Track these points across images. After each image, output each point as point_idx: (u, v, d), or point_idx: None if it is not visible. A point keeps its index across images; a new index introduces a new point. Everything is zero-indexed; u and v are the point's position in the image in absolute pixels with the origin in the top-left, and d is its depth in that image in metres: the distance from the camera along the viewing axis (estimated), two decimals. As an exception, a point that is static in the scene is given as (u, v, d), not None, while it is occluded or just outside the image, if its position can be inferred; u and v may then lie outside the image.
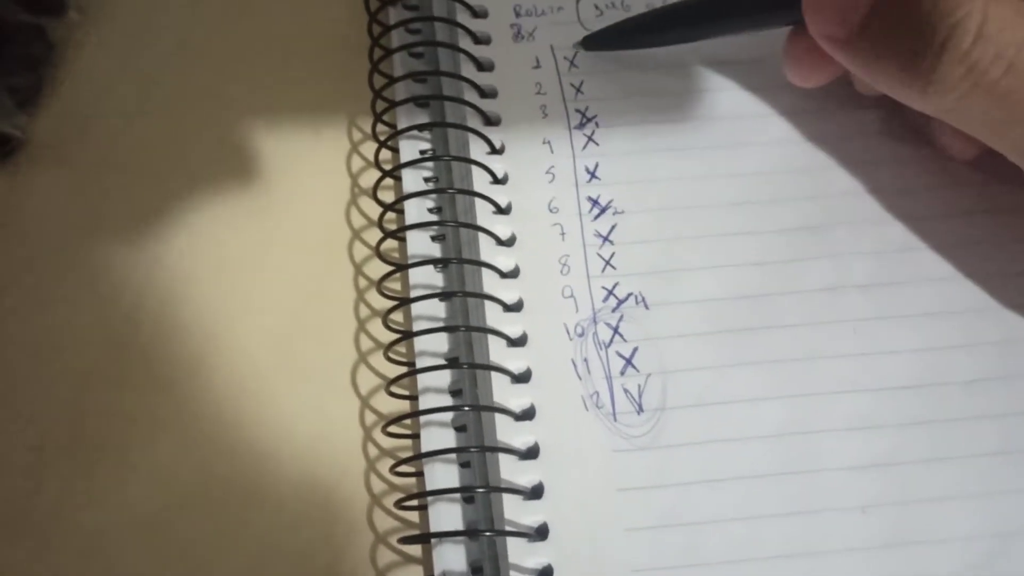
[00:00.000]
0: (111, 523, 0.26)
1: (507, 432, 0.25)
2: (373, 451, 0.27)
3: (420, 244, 0.28)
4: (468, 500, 0.26)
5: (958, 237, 0.27)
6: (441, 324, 0.27)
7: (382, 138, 0.29)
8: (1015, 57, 0.21)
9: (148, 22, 0.32)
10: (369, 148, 0.30)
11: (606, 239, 0.28)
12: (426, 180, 0.29)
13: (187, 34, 0.32)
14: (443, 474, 0.26)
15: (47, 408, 0.27)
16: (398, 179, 0.29)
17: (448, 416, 0.26)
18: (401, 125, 0.29)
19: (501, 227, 0.27)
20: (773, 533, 0.25)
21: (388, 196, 0.29)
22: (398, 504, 0.26)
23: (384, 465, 0.26)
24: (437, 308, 0.28)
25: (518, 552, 0.24)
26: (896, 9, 0.23)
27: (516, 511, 0.24)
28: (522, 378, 0.26)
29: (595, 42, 0.29)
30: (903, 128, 0.28)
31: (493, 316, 0.26)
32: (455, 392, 0.27)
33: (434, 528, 0.25)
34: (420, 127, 0.29)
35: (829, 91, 0.28)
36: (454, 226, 0.28)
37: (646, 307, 0.27)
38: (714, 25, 0.27)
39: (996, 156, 0.24)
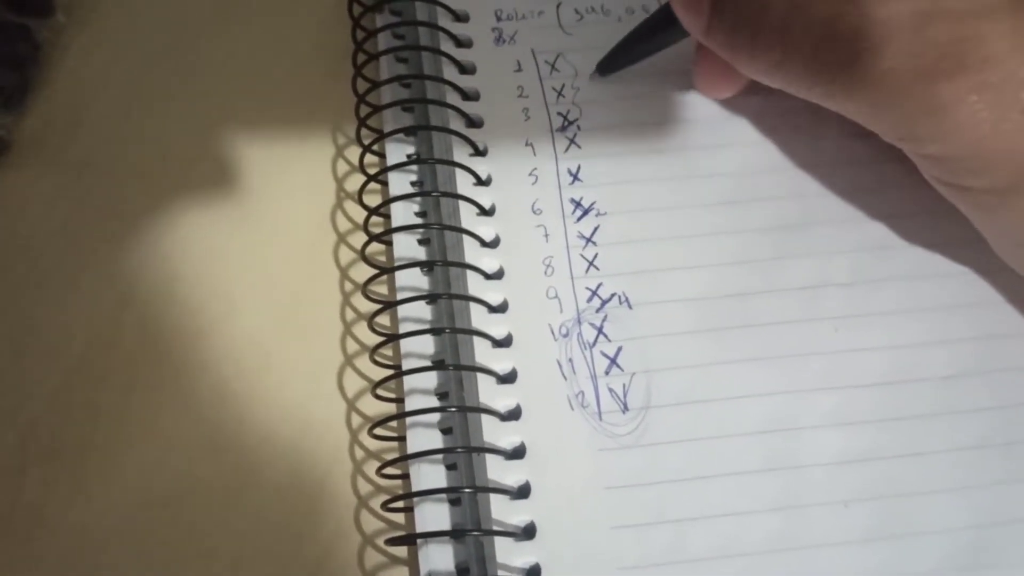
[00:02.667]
0: (94, 522, 0.26)
1: (493, 433, 0.25)
2: (359, 453, 0.27)
3: (406, 247, 0.29)
4: (455, 502, 0.26)
5: (935, 235, 0.28)
6: (427, 326, 0.28)
7: (366, 142, 0.29)
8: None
9: (134, 24, 0.32)
10: (354, 152, 0.30)
11: (589, 240, 0.28)
12: (411, 184, 0.29)
13: (173, 38, 0.32)
14: (429, 475, 0.26)
15: (30, 407, 0.27)
16: (383, 183, 0.29)
17: (434, 418, 0.26)
18: (386, 129, 0.29)
19: (485, 229, 0.28)
20: (758, 528, 0.25)
21: (373, 200, 0.29)
22: (384, 506, 0.26)
23: (370, 467, 0.27)
24: (423, 311, 0.28)
25: (506, 552, 0.24)
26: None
27: (503, 511, 0.25)
28: (508, 379, 0.26)
29: (607, 66, 0.30)
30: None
31: (478, 318, 0.27)
32: (441, 394, 0.27)
33: (420, 529, 0.25)
34: (404, 130, 0.29)
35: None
36: (439, 229, 0.28)
37: (630, 307, 0.27)
38: (671, 32, 0.28)
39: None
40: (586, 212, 0.28)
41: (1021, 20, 0.22)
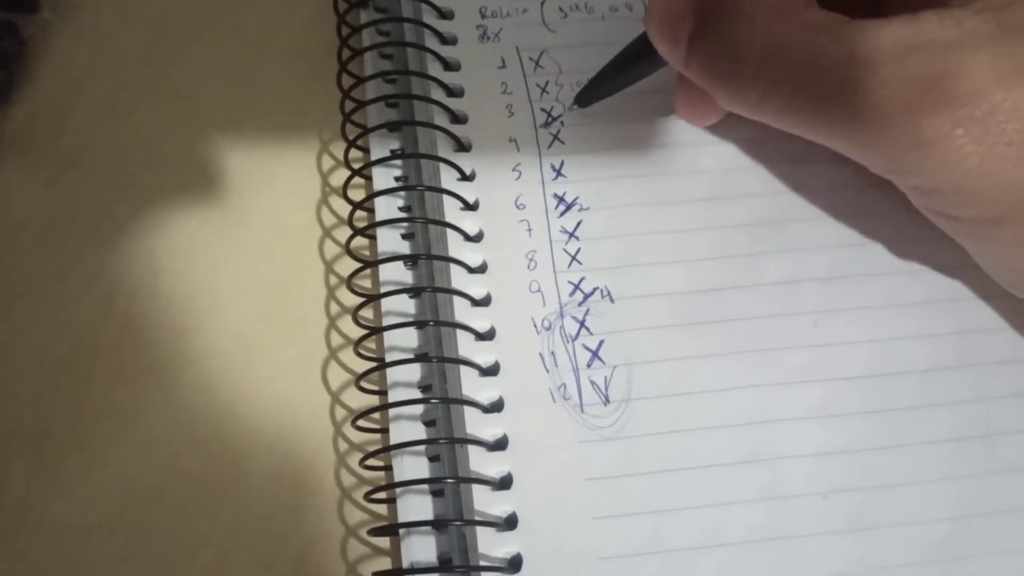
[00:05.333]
0: (78, 516, 0.26)
1: (476, 424, 0.26)
2: (343, 445, 0.27)
3: (390, 241, 0.29)
4: (437, 493, 0.26)
5: (913, 232, 0.28)
6: (410, 320, 0.28)
7: (351, 137, 0.29)
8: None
9: (120, 21, 0.33)
10: (339, 147, 0.30)
11: (572, 235, 0.28)
12: (396, 179, 0.30)
13: (158, 34, 0.32)
14: (412, 467, 0.26)
15: (15, 401, 0.27)
16: (368, 178, 0.30)
17: (417, 410, 0.27)
18: (370, 124, 0.30)
19: (469, 223, 0.28)
20: (737, 520, 0.25)
21: (358, 195, 0.29)
22: (367, 497, 0.26)
23: (354, 459, 0.27)
24: (407, 304, 0.28)
25: (488, 542, 0.24)
26: (712, 27, 0.24)
27: (485, 501, 0.25)
28: (490, 371, 0.26)
29: (586, 97, 0.29)
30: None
31: (461, 311, 0.27)
32: (424, 387, 0.27)
33: (403, 520, 0.25)
34: (388, 125, 0.30)
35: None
36: (423, 223, 0.28)
37: (611, 301, 0.27)
38: (650, 62, 0.27)
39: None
40: (569, 207, 0.28)
41: (1004, 51, 0.22)
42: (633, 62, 0.28)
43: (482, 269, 0.28)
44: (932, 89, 0.22)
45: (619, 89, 0.29)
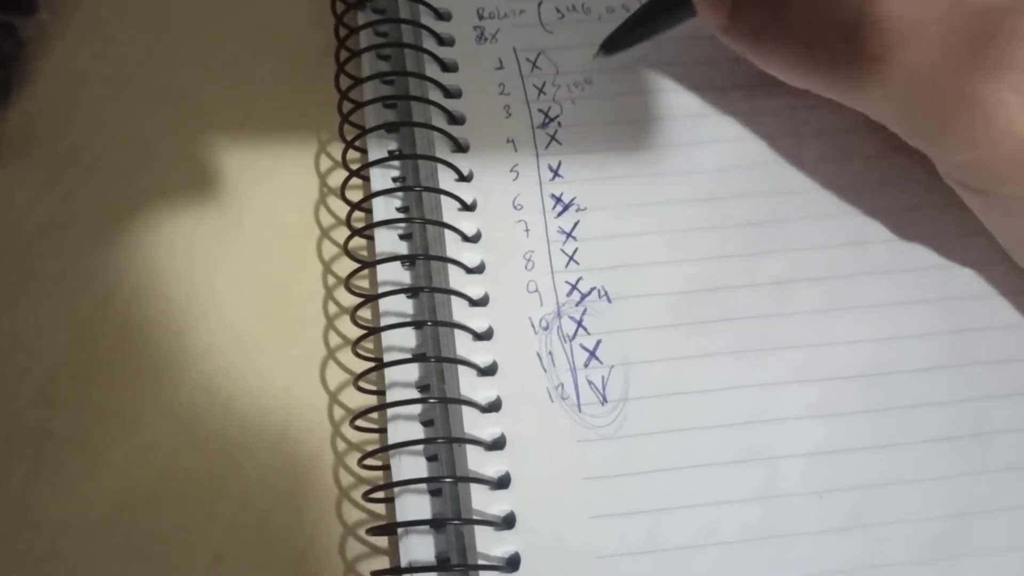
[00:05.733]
0: (78, 516, 0.26)
1: (474, 424, 0.26)
2: (341, 445, 0.27)
3: (388, 242, 0.29)
4: (435, 492, 0.26)
5: (907, 231, 0.28)
6: (408, 320, 0.28)
7: (349, 138, 0.29)
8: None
9: (118, 22, 0.33)
10: (337, 148, 0.30)
11: (569, 235, 0.28)
12: (393, 180, 0.30)
13: (157, 36, 0.32)
14: (410, 466, 0.26)
15: (14, 401, 0.27)
16: (366, 179, 0.30)
17: (415, 410, 0.27)
18: (368, 125, 0.30)
19: (467, 224, 0.28)
20: (734, 518, 0.25)
21: (356, 196, 0.29)
22: (366, 496, 0.26)
23: (352, 459, 0.27)
24: (404, 304, 0.28)
25: (486, 541, 0.24)
26: None
27: (483, 501, 0.25)
28: (488, 371, 0.26)
29: (612, 44, 0.29)
30: (853, 124, 0.29)
31: (459, 311, 0.27)
32: (422, 387, 0.27)
33: (401, 519, 0.25)
34: (386, 126, 0.30)
35: (779, 91, 0.29)
36: (421, 223, 0.28)
37: (609, 301, 0.27)
38: (679, 15, 0.28)
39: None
40: (566, 207, 0.29)
41: None
42: (664, 10, 0.28)
43: (480, 269, 0.28)
44: (982, 52, 0.21)
45: (646, 38, 0.29)
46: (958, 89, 0.21)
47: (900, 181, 0.26)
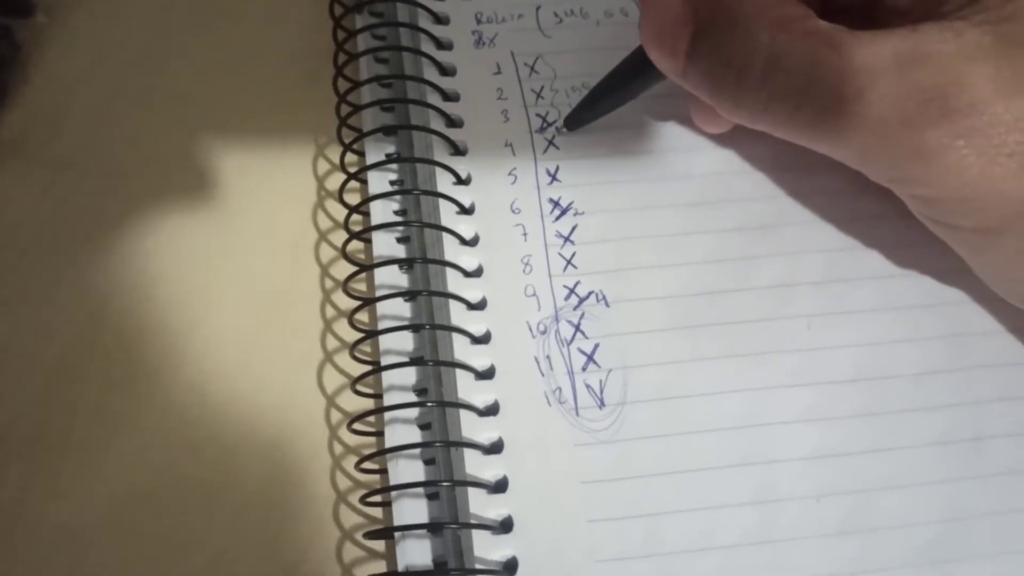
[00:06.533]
0: (74, 519, 0.26)
1: (471, 429, 0.26)
2: (338, 448, 0.27)
3: (385, 245, 0.29)
4: (432, 496, 0.26)
5: (905, 236, 0.28)
6: (406, 324, 0.28)
7: (347, 141, 0.29)
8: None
9: (115, 24, 0.33)
10: (335, 151, 0.30)
11: (567, 239, 0.28)
12: (391, 183, 0.30)
13: (153, 39, 0.32)
14: (407, 470, 0.26)
15: (10, 405, 0.27)
16: (364, 182, 0.30)
17: (413, 414, 0.27)
18: (366, 128, 0.30)
19: (464, 228, 0.28)
20: (732, 522, 0.25)
21: (354, 199, 0.29)
22: (363, 500, 0.26)
23: (349, 462, 0.27)
24: (402, 308, 0.28)
25: (483, 545, 0.24)
26: (711, 39, 0.24)
27: (481, 505, 0.25)
28: (486, 375, 0.26)
29: (574, 121, 0.29)
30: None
31: (457, 315, 0.27)
32: (420, 391, 0.27)
33: (398, 523, 0.25)
34: (384, 130, 0.30)
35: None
36: (419, 227, 0.28)
37: (607, 305, 0.27)
38: (645, 77, 0.27)
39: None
40: (564, 212, 0.29)
41: (1004, 63, 0.22)
42: (627, 79, 0.28)
43: (478, 273, 0.28)
44: (933, 100, 0.22)
45: (609, 110, 0.29)
46: (909, 138, 0.22)
47: (880, 184, 0.26)
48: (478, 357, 0.27)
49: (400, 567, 0.25)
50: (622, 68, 0.28)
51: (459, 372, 0.26)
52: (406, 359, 0.27)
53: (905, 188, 0.25)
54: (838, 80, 0.23)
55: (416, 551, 0.25)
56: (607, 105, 0.29)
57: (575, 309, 0.27)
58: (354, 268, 0.28)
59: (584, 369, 0.27)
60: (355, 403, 0.27)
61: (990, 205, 0.23)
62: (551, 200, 0.29)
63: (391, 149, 0.30)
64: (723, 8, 0.24)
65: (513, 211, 0.28)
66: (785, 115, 0.24)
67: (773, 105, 0.24)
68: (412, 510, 0.26)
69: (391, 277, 0.28)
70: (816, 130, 0.24)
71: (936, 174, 0.23)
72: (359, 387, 0.27)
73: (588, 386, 0.26)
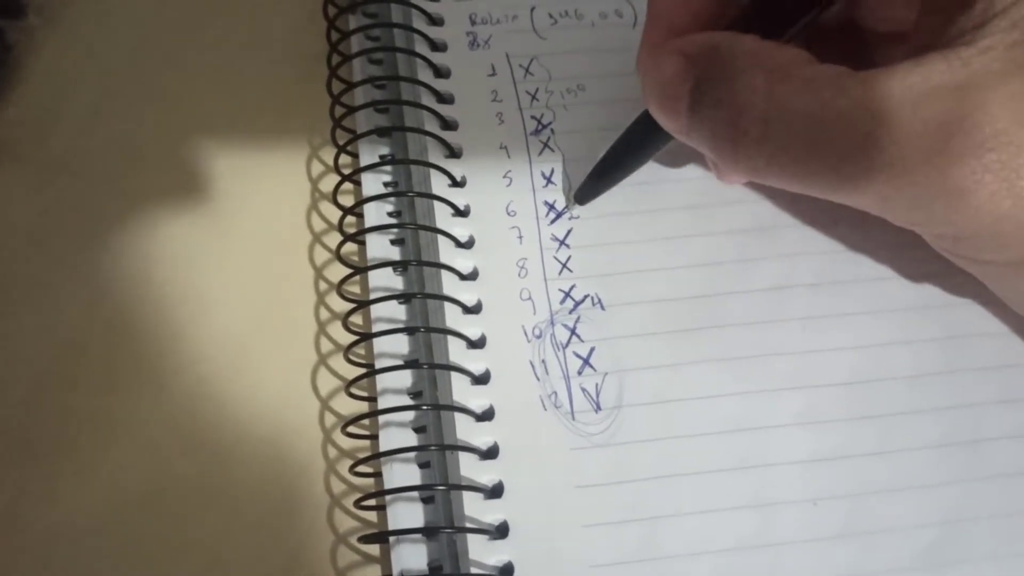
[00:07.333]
0: (68, 523, 0.26)
1: (467, 432, 0.26)
2: (332, 452, 0.27)
3: (380, 247, 0.29)
4: (427, 500, 0.26)
5: (900, 239, 0.28)
6: (401, 326, 0.28)
7: (341, 142, 0.29)
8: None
9: (107, 25, 0.32)
10: (329, 153, 0.30)
11: (563, 242, 0.28)
12: (385, 185, 0.30)
13: (145, 40, 0.32)
14: (402, 474, 0.26)
15: (3, 407, 0.27)
16: (358, 183, 0.30)
17: (408, 417, 0.27)
18: (360, 129, 0.30)
19: (459, 229, 0.28)
20: (728, 526, 0.25)
21: (348, 201, 0.29)
22: (357, 504, 0.26)
23: (344, 466, 0.27)
24: (397, 311, 0.28)
25: (479, 550, 0.24)
26: (710, 94, 0.23)
27: (476, 509, 0.25)
28: (481, 379, 0.26)
29: (585, 195, 0.28)
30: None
31: (452, 318, 0.27)
32: (415, 394, 0.27)
33: (392, 527, 0.25)
34: (378, 132, 0.29)
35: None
36: (413, 229, 0.28)
37: (602, 308, 0.27)
38: (654, 140, 0.27)
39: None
40: (560, 214, 0.28)
41: (1018, 90, 0.21)
42: (636, 144, 0.27)
43: (473, 276, 0.28)
44: (954, 136, 0.21)
45: (621, 179, 0.28)
46: (933, 179, 0.21)
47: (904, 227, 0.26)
48: (473, 361, 0.26)
49: (395, 571, 0.25)
50: (629, 134, 0.27)
51: (454, 375, 0.26)
52: (401, 362, 0.27)
53: (931, 229, 0.24)
54: (847, 126, 0.21)
55: (411, 555, 0.25)
56: (618, 174, 0.28)
57: (570, 313, 0.27)
58: (348, 270, 0.28)
59: (580, 373, 0.26)
60: (350, 406, 0.27)
61: (1022, 237, 0.22)
62: (546, 203, 0.29)
63: (385, 151, 0.30)
64: (719, 61, 0.23)
65: (508, 214, 0.28)
66: (792, 169, 0.23)
67: (779, 156, 0.22)
68: (407, 514, 0.25)
69: (385, 279, 0.28)
70: (829, 180, 0.23)
71: (966, 213, 0.21)
72: (353, 390, 0.27)
73: (584, 390, 0.26)
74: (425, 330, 0.27)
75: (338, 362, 0.28)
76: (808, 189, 0.23)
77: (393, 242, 0.29)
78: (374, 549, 0.26)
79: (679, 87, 0.23)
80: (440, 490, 0.25)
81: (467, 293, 0.27)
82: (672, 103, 0.24)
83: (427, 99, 0.29)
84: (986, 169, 0.21)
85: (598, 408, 0.26)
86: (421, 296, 0.27)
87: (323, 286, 0.29)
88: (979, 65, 0.21)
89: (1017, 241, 0.22)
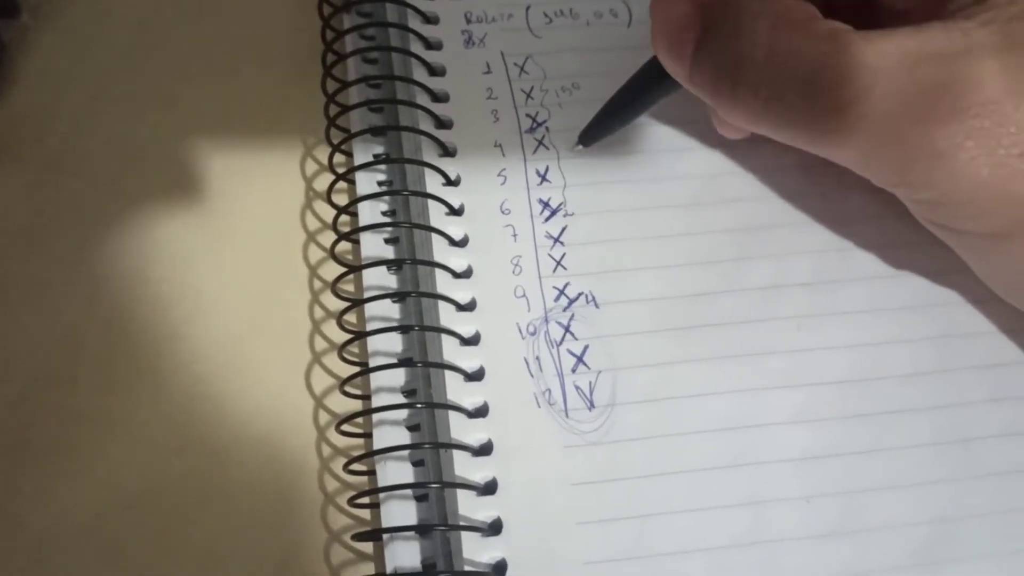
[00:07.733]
0: (59, 523, 0.26)
1: (460, 429, 0.26)
2: (327, 450, 0.27)
3: (374, 246, 0.29)
4: (421, 498, 0.26)
5: (895, 236, 0.28)
6: (395, 324, 0.28)
7: (335, 142, 0.29)
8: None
9: (101, 24, 0.32)
10: (323, 152, 0.30)
11: (557, 240, 0.28)
12: (380, 184, 0.30)
13: (140, 39, 0.32)
14: (396, 472, 0.26)
15: (-3, 407, 0.27)
16: (352, 183, 0.30)
17: (402, 415, 0.27)
18: (354, 128, 0.30)
19: (454, 228, 0.28)
20: (721, 524, 0.25)
21: (343, 200, 0.29)
22: (351, 502, 0.26)
23: (337, 464, 0.27)
24: (391, 309, 0.28)
25: (472, 547, 0.24)
26: (715, 40, 0.24)
27: (469, 507, 0.25)
28: (475, 376, 0.26)
29: (591, 135, 0.29)
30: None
31: (446, 316, 0.27)
32: (409, 392, 0.27)
33: (386, 525, 0.25)
34: (373, 130, 0.30)
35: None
36: (408, 227, 0.28)
37: (596, 306, 0.27)
38: (660, 86, 0.27)
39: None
40: (554, 212, 0.28)
41: (1013, 62, 0.21)
42: (641, 89, 0.27)
43: (467, 274, 0.28)
44: (942, 99, 0.21)
45: (626, 123, 0.28)
46: (917, 138, 0.22)
47: (884, 188, 0.26)
48: (467, 358, 0.26)
49: (388, 569, 0.25)
50: (636, 78, 0.27)
51: (448, 374, 0.26)
52: (395, 360, 0.27)
53: (910, 192, 0.24)
54: (842, 79, 0.22)
55: (405, 553, 0.25)
56: (623, 118, 0.28)
57: (565, 310, 0.27)
58: (343, 269, 0.28)
59: (574, 371, 0.26)
60: (344, 404, 0.27)
61: (999, 208, 0.22)
62: (541, 201, 0.29)
63: (379, 150, 0.30)
64: (728, 8, 0.24)
65: (503, 212, 0.28)
66: (786, 116, 0.23)
67: (774, 104, 0.23)
68: (401, 512, 0.25)
69: (380, 278, 0.28)
70: (818, 131, 0.23)
71: (944, 176, 0.22)
72: (348, 388, 0.27)
73: (578, 387, 0.26)
74: (419, 328, 0.27)
75: (332, 360, 0.28)
76: (797, 139, 0.24)
77: (387, 241, 0.29)
78: (368, 547, 0.26)
79: (687, 32, 0.24)
80: (433, 488, 0.25)
81: (461, 291, 0.27)
82: (679, 47, 0.24)
83: (421, 98, 0.29)
84: (968, 134, 0.21)
85: (592, 406, 0.26)
86: (415, 295, 0.27)
87: (317, 285, 0.29)
88: (977, 36, 0.22)
89: (992, 211, 0.23)
